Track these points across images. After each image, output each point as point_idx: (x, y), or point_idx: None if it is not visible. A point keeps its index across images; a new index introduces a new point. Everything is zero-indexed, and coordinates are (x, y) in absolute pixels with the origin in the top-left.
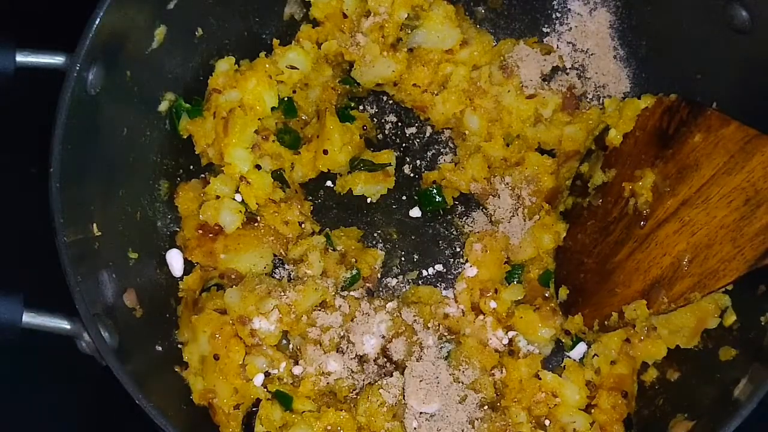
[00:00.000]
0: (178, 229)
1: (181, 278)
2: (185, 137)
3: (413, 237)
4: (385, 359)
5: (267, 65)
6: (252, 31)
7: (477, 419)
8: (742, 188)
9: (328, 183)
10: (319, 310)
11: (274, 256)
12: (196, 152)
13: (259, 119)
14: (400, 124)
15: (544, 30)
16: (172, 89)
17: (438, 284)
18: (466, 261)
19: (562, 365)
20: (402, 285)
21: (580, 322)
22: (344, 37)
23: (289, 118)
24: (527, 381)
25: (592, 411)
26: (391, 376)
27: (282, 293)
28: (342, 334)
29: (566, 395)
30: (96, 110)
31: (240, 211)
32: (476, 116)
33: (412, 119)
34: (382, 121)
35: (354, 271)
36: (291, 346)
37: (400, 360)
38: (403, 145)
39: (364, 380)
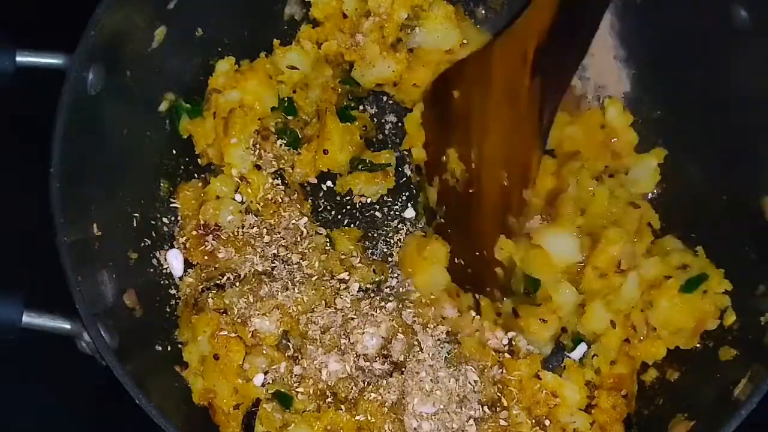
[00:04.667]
0: (178, 229)
1: (181, 278)
2: (185, 137)
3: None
4: (385, 359)
5: (267, 65)
6: (252, 31)
7: (477, 419)
8: (503, 93)
9: (328, 183)
10: (319, 310)
11: (275, 256)
12: (196, 152)
13: (259, 119)
14: (400, 124)
15: None
16: (172, 89)
17: None
18: None
19: (562, 365)
20: (402, 285)
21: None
22: (344, 37)
23: (289, 117)
24: (527, 381)
25: (592, 411)
26: (391, 376)
27: (282, 293)
28: (342, 334)
29: (566, 395)
30: (96, 110)
31: (240, 211)
32: None
33: None
34: (382, 121)
35: (359, 271)
36: (291, 346)
37: (400, 360)
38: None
39: (364, 380)
